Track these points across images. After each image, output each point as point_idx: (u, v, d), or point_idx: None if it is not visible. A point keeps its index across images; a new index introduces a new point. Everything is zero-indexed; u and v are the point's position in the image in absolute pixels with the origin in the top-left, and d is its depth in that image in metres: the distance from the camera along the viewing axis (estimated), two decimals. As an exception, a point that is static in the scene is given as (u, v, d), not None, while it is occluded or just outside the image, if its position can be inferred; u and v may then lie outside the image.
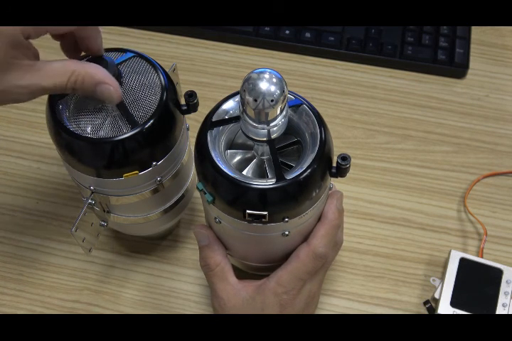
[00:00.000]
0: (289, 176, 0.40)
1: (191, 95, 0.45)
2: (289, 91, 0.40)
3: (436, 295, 0.55)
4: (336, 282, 0.59)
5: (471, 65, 0.72)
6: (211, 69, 0.73)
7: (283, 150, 0.45)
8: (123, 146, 0.43)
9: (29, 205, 0.63)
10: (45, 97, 0.44)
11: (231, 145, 0.45)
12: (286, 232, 0.43)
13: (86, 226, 0.49)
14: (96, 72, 0.41)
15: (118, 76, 0.43)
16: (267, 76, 0.37)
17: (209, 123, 0.42)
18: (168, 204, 0.52)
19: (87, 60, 0.43)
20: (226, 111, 0.43)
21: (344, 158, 0.41)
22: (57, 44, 0.45)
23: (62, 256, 0.60)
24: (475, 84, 0.72)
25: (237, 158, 0.45)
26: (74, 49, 0.45)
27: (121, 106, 0.43)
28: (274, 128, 0.40)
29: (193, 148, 0.44)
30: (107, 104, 0.43)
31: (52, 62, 0.40)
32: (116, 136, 0.43)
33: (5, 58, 0.37)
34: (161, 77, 0.45)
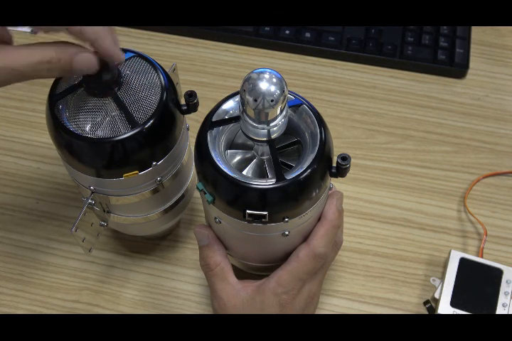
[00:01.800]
0: (289, 176, 0.40)
1: (191, 95, 0.45)
2: (289, 91, 0.40)
3: (436, 295, 0.55)
4: (336, 282, 0.59)
5: (471, 65, 0.72)
6: (211, 69, 0.73)
7: (283, 150, 0.45)
8: (123, 146, 0.43)
9: (29, 205, 0.63)
10: (45, 97, 0.45)
11: (231, 145, 0.45)
12: (286, 232, 0.43)
13: (86, 226, 0.49)
14: (67, 46, 0.40)
15: (118, 76, 0.43)
16: (266, 76, 0.37)
17: (209, 123, 0.42)
18: (168, 204, 0.52)
19: None
20: (226, 111, 0.43)
21: (344, 158, 0.41)
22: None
23: (62, 256, 0.60)
24: (475, 84, 0.72)
25: (237, 158, 0.45)
26: None
27: (121, 106, 0.43)
28: (274, 128, 0.40)
29: (193, 148, 0.44)
30: (107, 104, 0.43)
31: (23, 45, 0.39)
32: (116, 136, 0.43)
33: None
34: (161, 77, 0.45)
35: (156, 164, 0.45)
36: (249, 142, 0.44)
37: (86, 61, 0.40)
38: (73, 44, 0.40)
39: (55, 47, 0.39)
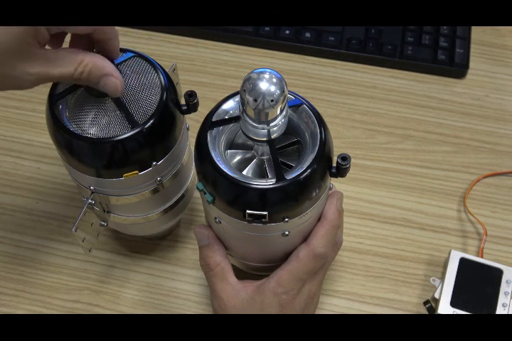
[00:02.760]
0: (289, 176, 0.40)
1: (191, 95, 0.45)
2: (289, 91, 0.40)
3: (436, 295, 0.55)
4: (336, 282, 0.59)
5: (471, 65, 0.72)
6: (211, 69, 0.73)
7: (283, 150, 0.45)
8: (123, 146, 0.43)
9: (29, 205, 0.63)
10: (45, 97, 0.45)
11: (231, 145, 0.45)
12: (286, 232, 0.43)
13: (86, 226, 0.49)
14: (103, 63, 0.41)
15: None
16: (267, 76, 0.37)
17: (209, 123, 0.42)
18: (168, 204, 0.52)
19: None
20: (226, 111, 0.43)
21: (344, 158, 0.41)
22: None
23: (62, 256, 0.60)
24: (475, 84, 0.72)
25: (237, 158, 0.45)
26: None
27: (121, 106, 0.43)
28: (274, 128, 0.40)
29: (193, 148, 0.44)
30: (107, 104, 0.43)
31: (61, 50, 0.40)
32: (116, 136, 0.43)
33: (20, 44, 0.38)
34: (161, 77, 0.45)
35: (156, 164, 0.45)
36: (249, 142, 0.44)
37: (112, 86, 0.42)
38: (107, 61, 0.42)
39: (92, 61, 0.41)
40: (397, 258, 0.60)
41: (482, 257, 0.58)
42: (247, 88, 0.37)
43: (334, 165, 0.42)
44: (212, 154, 0.41)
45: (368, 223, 0.62)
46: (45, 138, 0.67)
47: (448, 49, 0.72)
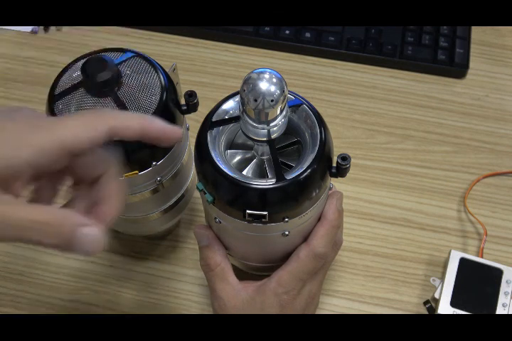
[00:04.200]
0: (289, 176, 0.40)
1: (191, 95, 0.45)
2: (289, 91, 0.40)
3: (436, 295, 0.55)
4: (336, 282, 0.59)
5: (471, 65, 0.72)
6: (211, 69, 0.73)
7: (283, 150, 0.45)
8: (123, 146, 0.43)
9: (29, 205, 0.63)
10: (45, 97, 0.44)
11: (231, 145, 0.45)
12: (286, 232, 0.43)
13: (86, 226, 0.49)
14: (70, 215, 0.33)
15: (118, 76, 0.43)
16: (266, 76, 0.37)
17: (209, 123, 0.42)
18: (168, 204, 0.52)
19: (86, 60, 0.42)
20: (226, 111, 0.43)
21: (344, 158, 0.41)
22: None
23: (62, 256, 0.60)
24: (475, 84, 0.72)
25: (237, 158, 0.45)
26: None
27: (121, 106, 0.43)
28: (274, 128, 0.40)
29: (193, 148, 0.44)
30: (107, 104, 0.43)
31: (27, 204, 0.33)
32: (116, 136, 0.42)
33: None
34: (161, 77, 0.45)
35: (156, 164, 0.45)
36: (249, 142, 0.44)
37: (89, 240, 0.34)
38: (76, 215, 0.33)
39: (54, 212, 0.32)
40: (397, 258, 0.60)
41: (482, 257, 0.58)
42: (247, 88, 0.37)
43: (334, 165, 0.42)
44: (212, 154, 0.41)
45: (368, 223, 0.62)
46: (45, 138, 0.66)
47: (448, 49, 0.72)
